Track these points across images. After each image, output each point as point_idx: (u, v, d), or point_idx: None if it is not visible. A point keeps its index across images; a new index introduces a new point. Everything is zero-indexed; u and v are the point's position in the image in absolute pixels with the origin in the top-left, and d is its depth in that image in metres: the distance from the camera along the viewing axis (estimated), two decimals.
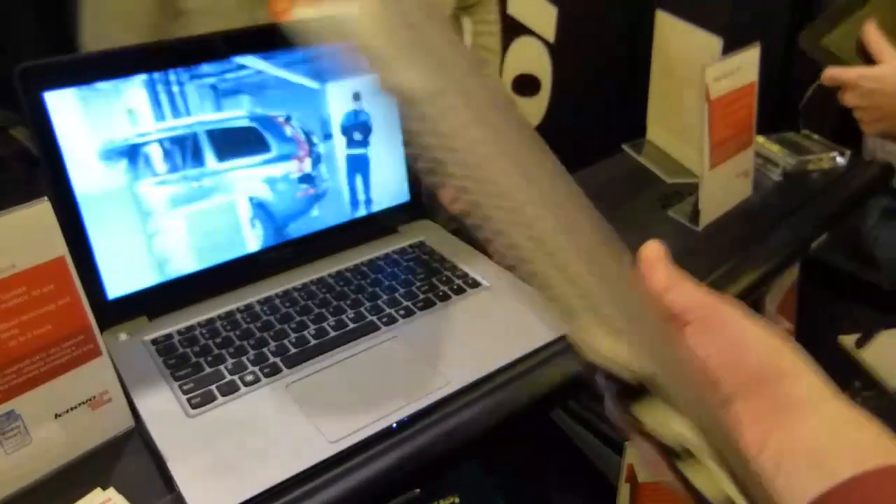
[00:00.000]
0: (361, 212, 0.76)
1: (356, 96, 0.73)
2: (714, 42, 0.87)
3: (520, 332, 0.63)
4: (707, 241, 0.82)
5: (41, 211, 0.48)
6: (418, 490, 0.54)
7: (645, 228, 0.84)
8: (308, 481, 0.50)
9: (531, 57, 1.21)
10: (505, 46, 1.14)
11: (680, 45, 0.93)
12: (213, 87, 0.64)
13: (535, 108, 1.24)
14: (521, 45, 1.20)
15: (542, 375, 0.60)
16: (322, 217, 0.74)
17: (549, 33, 1.19)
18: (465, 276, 0.71)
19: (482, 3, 1.01)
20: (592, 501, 0.88)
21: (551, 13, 1.19)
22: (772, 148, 0.99)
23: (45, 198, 0.48)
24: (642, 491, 0.78)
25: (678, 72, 0.95)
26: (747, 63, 0.84)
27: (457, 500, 0.67)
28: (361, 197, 0.76)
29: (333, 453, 0.51)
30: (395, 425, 0.53)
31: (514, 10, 1.17)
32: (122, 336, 0.63)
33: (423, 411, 0.55)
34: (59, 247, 0.49)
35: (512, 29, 1.15)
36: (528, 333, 0.63)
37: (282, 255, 0.72)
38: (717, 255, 0.79)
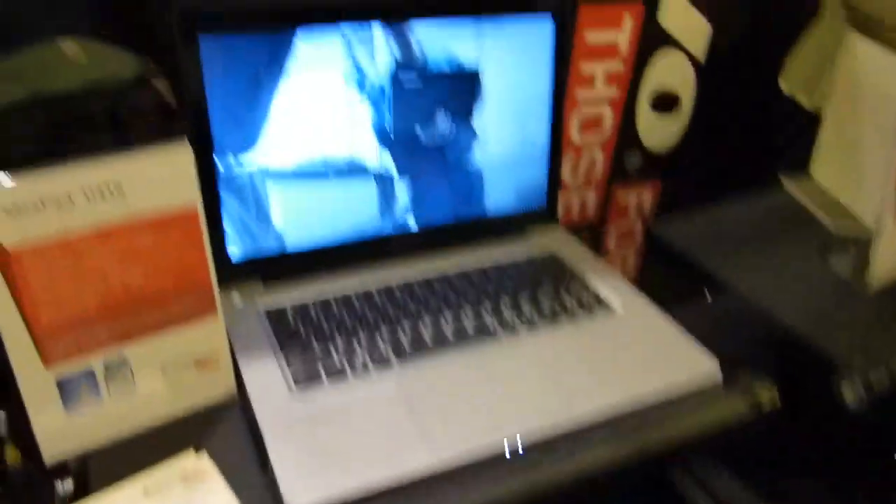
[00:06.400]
0: (493, 210, 0.71)
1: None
2: None
3: (651, 370, 0.56)
4: (879, 306, 0.70)
5: (181, 152, 0.45)
6: None
7: (798, 281, 0.73)
8: (407, 493, 0.46)
9: (675, 72, 1.12)
10: (647, 56, 1.06)
11: (873, 75, 0.83)
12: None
13: (673, 126, 1.15)
14: (665, 57, 1.11)
15: (669, 425, 0.53)
16: (453, 209, 0.69)
17: (700, 50, 1.10)
18: (595, 295, 0.65)
19: None
20: None
21: (705, 29, 1.10)
22: None
23: (186, 138, 0.46)
24: None
25: (864, 105, 0.84)
26: None
27: None
28: (494, 195, 0.71)
29: (439, 465, 0.47)
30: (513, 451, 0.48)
31: (665, 21, 1.08)
32: (237, 300, 0.61)
33: (541, 442, 0.50)
34: (193, 194, 0.47)
35: (657, 38, 1.07)
36: (660, 371, 0.56)
37: (407, 242, 0.68)
38: (891, 324, 0.68)
